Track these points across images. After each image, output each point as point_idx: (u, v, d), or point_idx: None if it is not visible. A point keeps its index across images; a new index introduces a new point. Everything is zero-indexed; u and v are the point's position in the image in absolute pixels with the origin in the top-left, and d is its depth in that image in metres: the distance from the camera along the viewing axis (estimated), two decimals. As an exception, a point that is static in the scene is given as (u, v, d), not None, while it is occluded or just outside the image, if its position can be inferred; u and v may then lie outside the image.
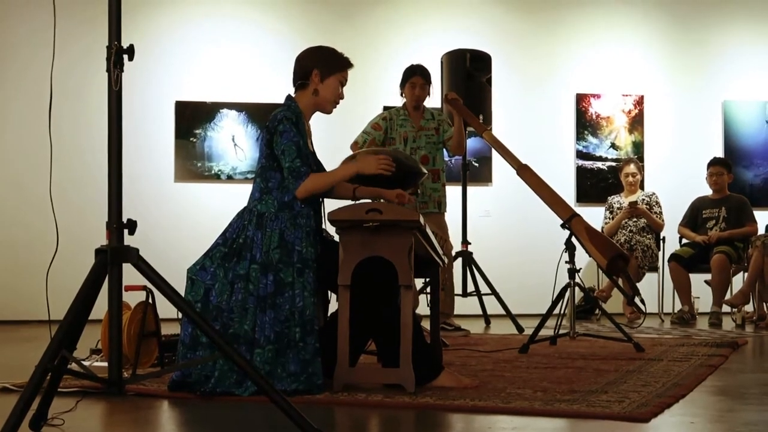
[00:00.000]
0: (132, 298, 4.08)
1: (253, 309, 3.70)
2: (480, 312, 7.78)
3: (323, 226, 3.99)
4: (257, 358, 3.63)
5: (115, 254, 2.76)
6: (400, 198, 4.11)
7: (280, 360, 3.65)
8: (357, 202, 4.06)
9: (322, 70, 4.05)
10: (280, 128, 3.87)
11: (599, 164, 9.49)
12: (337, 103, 4.14)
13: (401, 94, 6.60)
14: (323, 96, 4.06)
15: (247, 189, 4.13)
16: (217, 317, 3.71)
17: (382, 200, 4.07)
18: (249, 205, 3.92)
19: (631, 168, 8.80)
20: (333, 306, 3.97)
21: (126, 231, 2.80)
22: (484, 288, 7.52)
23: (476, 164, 9.16)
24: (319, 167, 4.06)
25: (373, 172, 3.96)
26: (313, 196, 3.91)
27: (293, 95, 4.08)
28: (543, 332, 5.60)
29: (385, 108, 6.87)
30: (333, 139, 7.10)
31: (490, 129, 6.39)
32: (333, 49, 4.15)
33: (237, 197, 4.06)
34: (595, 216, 8.19)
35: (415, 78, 6.51)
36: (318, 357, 3.68)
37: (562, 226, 5.47)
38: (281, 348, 3.66)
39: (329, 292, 4.05)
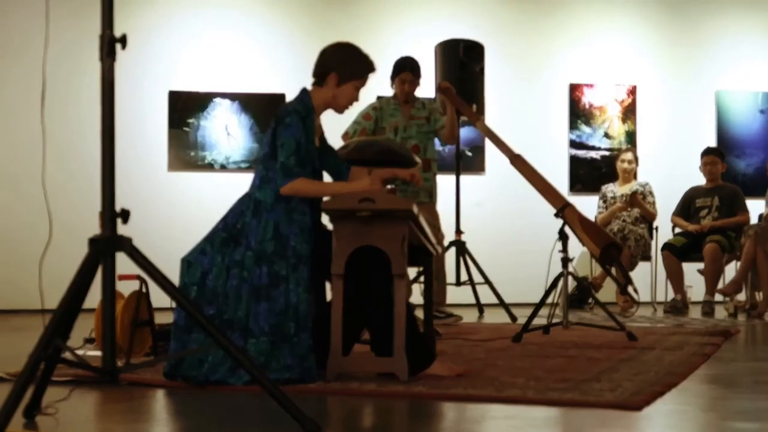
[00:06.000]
0: (125, 288, 4.07)
1: (247, 297, 3.70)
2: (473, 301, 7.79)
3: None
4: (251, 348, 3.62)
5: (109, 243, 2.76)
6: (414, 178, 4.10)
7: (275, 353, 3.64)
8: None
9: (340, 75, 3.96)
10: (287, 120, 3.83)
11: (592, 154, 9.50)
12: (350, 107, 4.10)
13: (391, 86, 6.59)
14: (337, 101, 4.01)
15: (240, 178, 4.13)
16: (212, 301, 3.70)
17: (397, 181, 4.04)
18: (249, 191, 3.89)
19: (629, 156, 8.78)
20: (327, 296, 3.96)
21: (119, 220, 2.80)
22: (477, 277, 7.53)
23: (469, 154, 9.16)
24: (335, 162, 4.06)
25: (367, 188, 3.82)
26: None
27: (308, 89, 4.01)
28: (536, 321, 5.61)
29: (378, 98, 6.86)
30: (324, 129, 7.06)
31: (483, 118, 6.39)
32: (357, 52, 4.03)
33: (230, 186, 4.06)
34: (588, 205, 8.19)
35: (404, 74, 6.49)
36: (312, 354, 3.67)
37: (556, 215, 5.49)
38: (276, 341, 3.64)
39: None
